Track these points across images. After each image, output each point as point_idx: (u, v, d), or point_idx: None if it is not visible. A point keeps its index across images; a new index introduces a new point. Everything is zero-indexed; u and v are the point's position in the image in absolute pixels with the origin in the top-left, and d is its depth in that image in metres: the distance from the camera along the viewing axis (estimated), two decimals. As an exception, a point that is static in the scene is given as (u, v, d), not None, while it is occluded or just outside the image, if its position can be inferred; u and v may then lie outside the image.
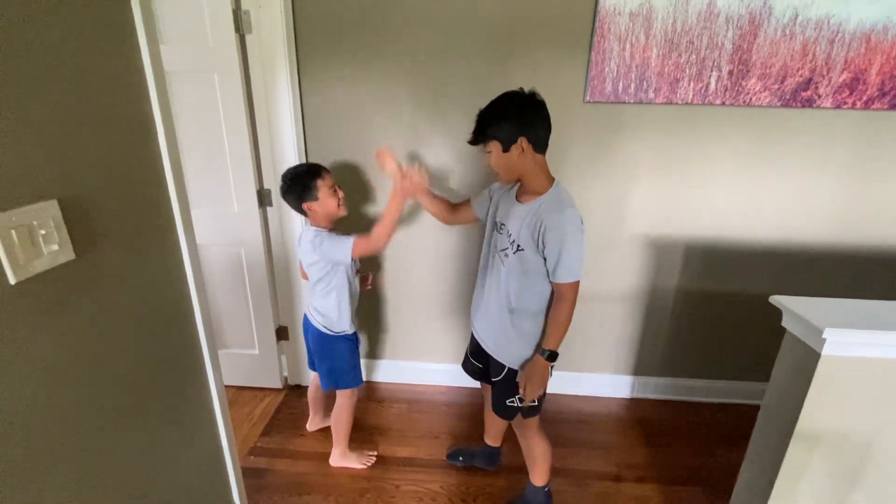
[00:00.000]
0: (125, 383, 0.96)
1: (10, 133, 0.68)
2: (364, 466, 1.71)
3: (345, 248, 1.43)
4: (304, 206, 1.45)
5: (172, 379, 1.12)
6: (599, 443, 1.88)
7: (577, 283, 1.20)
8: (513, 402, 1.34)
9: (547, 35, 1.62)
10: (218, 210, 1.87)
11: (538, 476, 1.47)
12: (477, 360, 1.48)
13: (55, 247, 0.74)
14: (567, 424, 1.98)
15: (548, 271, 1.20)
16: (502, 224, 1.30)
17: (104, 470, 0.91)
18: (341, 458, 1.72)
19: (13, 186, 0.69)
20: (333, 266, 1.49)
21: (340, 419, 1.67)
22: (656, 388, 2.12)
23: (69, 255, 0.78)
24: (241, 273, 1.97)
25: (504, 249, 1.28)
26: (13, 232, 0.68)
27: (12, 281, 0.68)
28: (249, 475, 1.65)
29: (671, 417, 2.03)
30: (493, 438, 1.70)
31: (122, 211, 0.92)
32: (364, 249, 1.45)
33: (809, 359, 0.97)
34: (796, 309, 0.98)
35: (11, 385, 0.70)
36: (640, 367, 2.10)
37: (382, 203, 1.91)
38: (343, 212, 1.50)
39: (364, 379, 2.21)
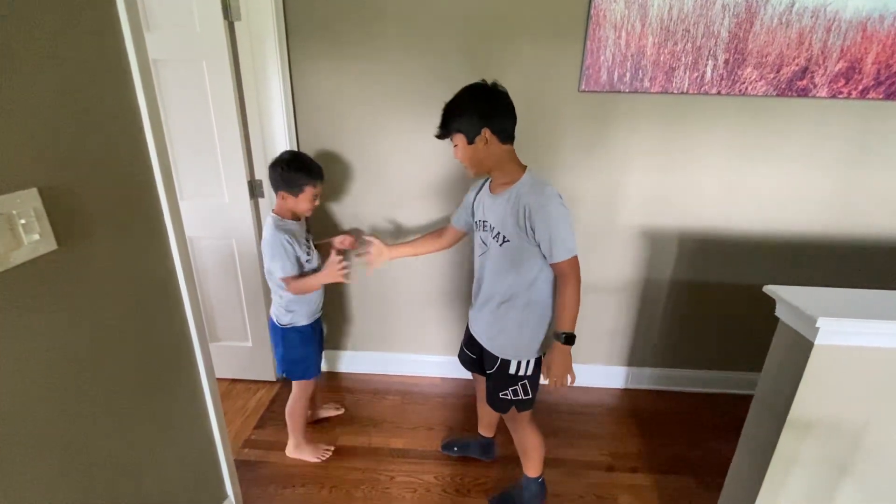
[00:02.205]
0: (112, 377, 0.94)
1: (-15, 118, 0.66)
2: (319, 460, 1.71)
3: (282, 271, 1.44)
4: (280, 193, 1.46)
5: (162, 372, 1.11)
6: (593, 433, 1.88)
7: (576, 257, 1.18)
8: (506, 394, 1.34)
9: (541, 24, 1.60)
10: (208, 201, 1.84)
11: (532, 468, 1.48)
12: (471, 351, 1.48)
13: (36, 237, 0.73)
14: (560, 415, 1.98)
15: (544, 255, 1.19)
16: (484, 221, 1.29)
17: (92, 462, 0.90)
18: (295, 449, 1.72)
19: (-10, 174, 0.67)
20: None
21: (293, 410, 1.67)
22: (650, 379, 2.13)
23: (51, 245, 0.76)
24: (232, 265, 1.95)
25: (485, 245, 1.29)
26: (-9, 221, 0.66)
27: (-9, 272, 0.66)
28: (243, 467, 1.65)
29: (664, 407, 2.04)
30: (486, 429, 1.70)
31: (108, 201, 0.90)
32: (289, 287, 1.46)
33: (802, 348, 0.97)
34: (790, 298, 0.97)
35: (-8, 378, 0.69)
36: (634, 358, 2.11)
37: (363, 199, 1.90)
38: (308, 214, 1.52)
39: (358, 371, 2.22)
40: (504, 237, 1.22)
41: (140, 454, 1.04)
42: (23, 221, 0.70)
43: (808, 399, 1.00)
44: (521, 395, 1.34)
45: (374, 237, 1.51)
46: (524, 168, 1.23)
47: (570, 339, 1.21)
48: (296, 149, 1.81)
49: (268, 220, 1.47)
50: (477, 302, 1.39)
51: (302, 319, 1.56)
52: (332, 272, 1.43)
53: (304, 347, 1.59)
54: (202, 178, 1.81)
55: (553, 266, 1.21)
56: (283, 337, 1.57)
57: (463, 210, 1.43)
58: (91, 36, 0.84)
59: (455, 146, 1.23)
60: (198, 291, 1.92)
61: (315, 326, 1.62)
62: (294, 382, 1.64)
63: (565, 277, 1.19)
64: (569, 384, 1.25)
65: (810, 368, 0.96)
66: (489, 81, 1.19)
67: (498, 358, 1.33)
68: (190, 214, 1.81)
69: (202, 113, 1.71)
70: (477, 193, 1.35)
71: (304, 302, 1.54)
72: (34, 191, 0.73)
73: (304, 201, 1.45)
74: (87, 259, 0.85)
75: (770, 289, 1.03)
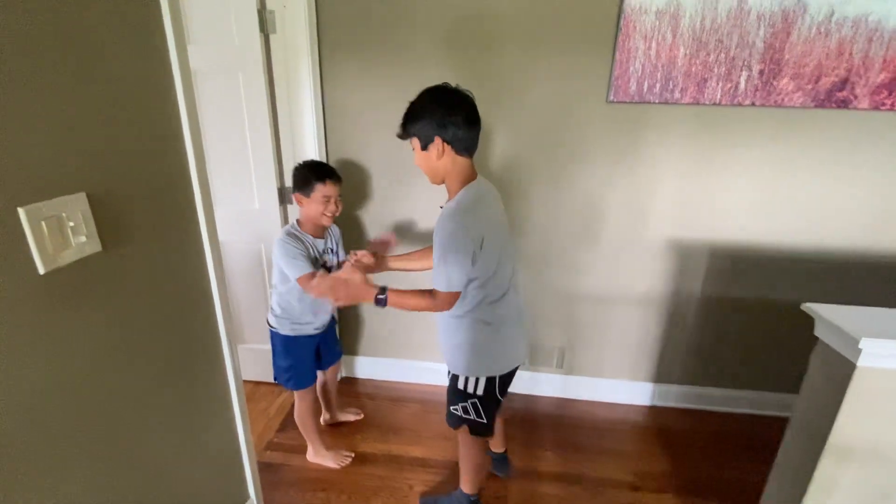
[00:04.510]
0: (146, 375, 0.97)
1: (44, 128, 0.70)
2: (339, 466, 1.71)
3: (293, 272, 1.44)
4: (295, 195, 1.48)
5: (192, 372, 1.14)
6: (617, 450, 1.84)
7: (452, 294, 1.15)
8: (456, 409, 1.32)
9: (570, 34, 1.60)
10: (239, 207, 1.90)
11: (467, 484, 1.45)
12: None
13: (83, 238, 0.76)
14: (583, 430, 1.94)
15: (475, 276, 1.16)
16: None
17: (121, 460, 0.93)
18: (315, 455, 1.74)
19: (45, 179, 0.71)
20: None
21: (299, 418, 1.69)
22: (677, 397, 2.07)
23: (96, 247, 0.80)
24: (260, 269, 2.00)
25: None
26: (43, 223, 0.69)
27: (41, 271, 0.70)
28: (265, 470, 1.67)
29: (692, 426, 1.98)
30: (496, 444, 1.67)
31: (148, 206, 0.94)
32: (303, 287, 1.45)
33: (844, 370, 0.92)
34: (830, 317, 0.93)
35: (35, 370, 0.72)
36: (661, 374, 2.05)
37: (389, 207, 1.92)
38: (325, 222, 1.50)
39: (380, 378, 2.22)
40: None
41: (167, 452, 1.07)
42: (71, 224, 0.74)
43: (850, 423, 0.95)
44: (473, 416, 1.30)
45: (368, 253, 1.48)
46: (465, 184, 1.15)
47: (380, 298, 1.21)
48: (324, 157, 1.85)
49: (286, 227, 1.51)
50: None
51: (284, 328, 1.57)
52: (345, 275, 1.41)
53: (286, 357, 1.60)
54: (234, 185, 1.86)
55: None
56: (271, 339, 1.60)
57: None
58: (140, 48, 0.89)
59: (413, 150, 1.18)
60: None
61: (310, 340, 1.62)
62: (296, 396, 1.67)
63: (434, 298, 1.17)
64: (327, 298, 1.26)
65: (852, 391, 0.92)
66: (455, 84, 1.13)
67: (449, 370, 1.33)
68: (221, 219, 1.86)
69: (236, 122, 1.77)
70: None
71: (289, 313, 1.55)
72: (83, 195, 0.76)
73: (314, 202, 1.45)
74: (128, 261, 0.89)
75: (809, 307, 1.00)
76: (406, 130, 1.16)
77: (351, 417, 1.96)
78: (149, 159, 0.93)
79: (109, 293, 0.85)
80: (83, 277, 0.79)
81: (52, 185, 0.72)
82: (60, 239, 0.73)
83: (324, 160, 1.85)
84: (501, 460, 1.69)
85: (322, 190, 1.44)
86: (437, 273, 1.14)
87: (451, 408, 1.34)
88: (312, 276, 1.43)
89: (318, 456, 1.73)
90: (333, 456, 1.73)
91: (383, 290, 1.23)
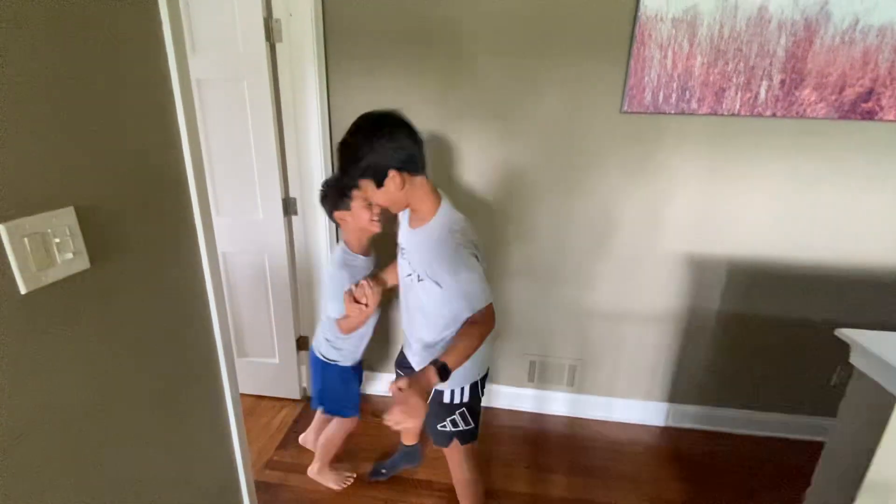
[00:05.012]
0: (138, 394, 0.92)
1: (26, 138, 0.66)
2: (339, 488, 1.65)
3: (335, 311, 1.39)
4: (337, 215, 1.37)
5: (187, 390, 1.09)
6: (631, 475, 1.75)
7: (489, 305, 1.06)
8: (444, 426, 1.26)
9: (582, 42, 1.55)
10: (243, 218, 1.86)
11: None
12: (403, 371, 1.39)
13: (70, 255, 0.72)
14: (595, 452, 1.86)
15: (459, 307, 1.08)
16: (403, 248, 1.21)
17: (110, 486, 0.87)
18: (318, 473, 1.67)
19: (28, 193, 0.66)
20: None
21: (328, 442, 1.62)
22: (693, 417, 1.98)
23: (84, 263, 0.75)
24: (263, 282, 1.95)
25: (409, 275, 1.19)
26: (26, 240, 0.65)
27: (23, 291, 0.65)
28: (263, 489, 1.61)
29: (709, 450, 1.89)
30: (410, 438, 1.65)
31: (142, 218, 0.89)
32: (340, 328, 1.42)
33: (884, 401, 0.85)
34: (869, 345, 0.87)
35: (19, 397, 0.67)
36: (676, 394, 1.97)
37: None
38: (376, 228, 1.37)
39: (386, 393, 2.16)
40: (419, 276, 1.14)
41: (160, 477, 1.01)
42: (57, 240, 0.69)
43: (891, 459, 0.87)
44: (462, 426, 1.25)
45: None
46: (438, 201, 1.13)
47: (445, 373, 0.99)
48: (331, 168, 1.81)
49: (336, 250, 1.43)
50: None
51: (347, 360, 1.53)
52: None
53: (343, 386, 1.57)
54: (238, 195, 1.83)
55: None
56: (324, 372, 1.54)
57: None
58: (134, 55, 0.85)
59: (366, 195, 1.11)
60: (228, 307, 1.94)
61: (357, 367, 1.59)
62: (335, 418, 1.61)
63: (485, 321, 1.06)
64: (403, 427, 0.96)
65: (893, 425, 0.85)
66: (389, 110, 1.06)
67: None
68: (225, 230, 1.84)
69: (241, 131, 1.74)
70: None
71: (353, 342, 1.51)
72: (70, 209, 0.72)
73: (359, 210, 1.32)
74: (119, 277, 0.84)
75: (845, 333, 0.93)
76: (352, 176, 1.06)
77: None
78: (144, 169, 0.89)
79: (99, 311, 0.81)
80: (70, 296, 0.74)
81: (37, 198, 0.68)
82: (45, 256, 0.68)
83: (329, 171, 1.81)
84: (412, 452, 1.67)
85: (360, 194, 1.31)
86: (458, 296, 1.06)
87: (439, 426, 1.27)
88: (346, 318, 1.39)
89: (321, 474, 1.66)
90: (335, 476, 1.66)
91: (441, 367, 0.99)
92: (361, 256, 1.42)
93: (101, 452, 0.85)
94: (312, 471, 1.68)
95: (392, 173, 1.02)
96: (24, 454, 0.69)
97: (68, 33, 0.71)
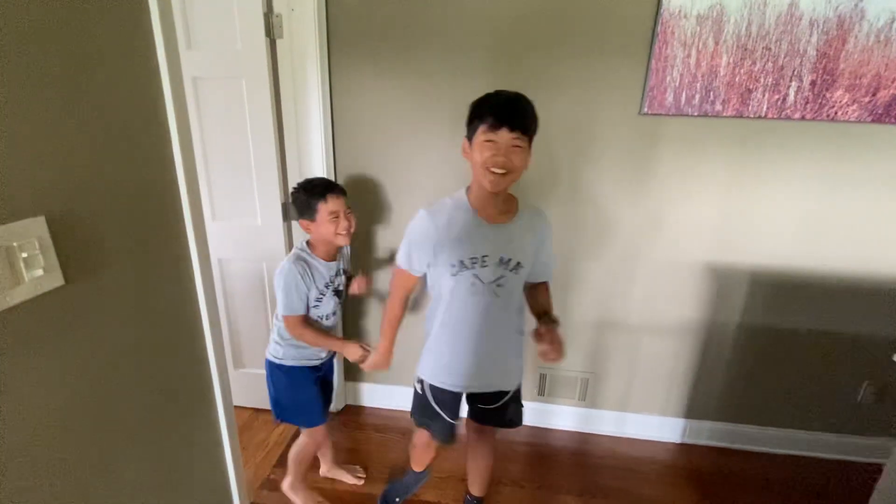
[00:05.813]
0: (122, 416, 0.84)
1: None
2: None
3: (283, 307, 1.33)
4: (301, 223, 1.34)
5: (178, 410, 1.00)
6: (647, 496, 1.66)
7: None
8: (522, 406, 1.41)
9: (599, 41, 1.47)
10: (241, 223, 1.77)
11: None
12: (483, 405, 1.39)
13: (39, 272, 0.63)
14: (608, 469, 1.77)
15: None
16: (487, 254, 1.12)
17: (90, 527, 0.78)
18: (290, 489, 1.55)
19: (-12, 201, 0.58)
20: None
21: (298, 457, 1.50)
22: (711, 434, 1.89)
23: (57, 280, 0.66)
24: (261, 289, 1.86)
25: (499, 278, 1.15)
26: (-15, 256, 0.56)
27: (-19, 315, 0.57)
28: (260, 512, 1.52)
29: (729, 468, 1.80)
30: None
31: (129, 227, 0.81)
32: (286, 325, 1.34)
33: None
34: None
35: (-25, 440, 0.59)
36: (694, 410, 1.88)
37: (400, 221, 1.76)
38: (342, 241, 1.34)
39: (389, 406, 2.07)
40: (519, 263, 1.16)
41: (143, 499, 0.92)
42: (24, 255, 0.60)
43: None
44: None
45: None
46: None
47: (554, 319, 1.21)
48: (332, 170, 1.73)
49: (295, 247, 1.37)
50: (484, 353, 1.29)
51: (289, 360, 1.40)
52: (349, 351, 1.37)
53: (293, 391, 1.42)
54: (236, 199, 1.74)
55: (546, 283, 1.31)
56: (271, 374, 1.42)
57: (423, 255, 1.18)
58: (121, 52, 0.77)
59: (519, 148, 1.06)
60: (224, 316, 1.84)
61: (313, 371, 1.45)
62: (302, 430, 1.50)
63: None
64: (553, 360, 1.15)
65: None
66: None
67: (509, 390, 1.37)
68: (222, 236, 1.75)
69: (239, 132, 1.65)
70: (450, 227, 1.14)
71: (296, 341, 1.38)
72: (41, 219, 0.63)
73: (323, 223, 1.30)
74: (99, 293, 0.76)
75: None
76: (532, 128, 1.10)
77: (347, 478, 1.70)
78: (129, 173, 0.81)
79: (77, 332, 0.72)
80: (41, 317, 0.65)
81: (2, 207, 0.59)
82: (9, 274, 0.59)
83: (331, 173, 1.72)
84: (425, 475, 1.61)
85: (326, 207, 1.29)
86: (549, 264, 1.27)
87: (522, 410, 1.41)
88: (304, 319, 1.34)
89: (293, 490, 1.54)
90: (305, 497, 1.55)
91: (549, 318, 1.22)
92: (321, 259, 1.37)
93: (85, 483, 0.76)
94: (285, 485, 1.56)
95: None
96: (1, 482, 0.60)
97: (41, 20, 0.63)
